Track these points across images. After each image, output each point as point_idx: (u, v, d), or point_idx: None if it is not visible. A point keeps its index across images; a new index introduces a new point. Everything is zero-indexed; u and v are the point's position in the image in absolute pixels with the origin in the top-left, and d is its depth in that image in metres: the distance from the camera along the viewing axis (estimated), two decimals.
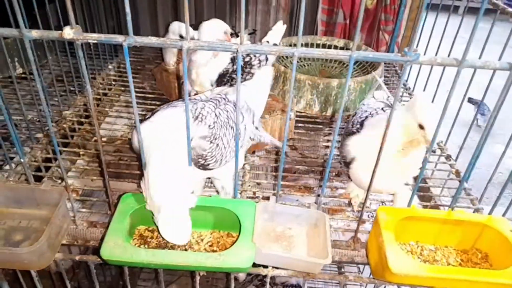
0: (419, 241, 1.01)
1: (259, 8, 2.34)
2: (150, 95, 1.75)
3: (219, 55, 1.29)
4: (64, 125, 1.49)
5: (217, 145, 0.95)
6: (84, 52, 0.80)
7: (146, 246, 0.95)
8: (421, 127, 0.93)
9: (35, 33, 0.74)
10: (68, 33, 0.74)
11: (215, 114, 0.98)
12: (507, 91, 0.85)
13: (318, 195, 1.26)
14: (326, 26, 2.17)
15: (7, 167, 1.26)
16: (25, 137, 1.48)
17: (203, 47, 0.76)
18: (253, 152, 1.39)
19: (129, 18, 0.73)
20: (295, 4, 2.26)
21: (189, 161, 0.91)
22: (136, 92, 1.77)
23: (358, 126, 1.10)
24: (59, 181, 1.36)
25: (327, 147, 1.50)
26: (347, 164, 1.09)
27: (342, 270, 2.08)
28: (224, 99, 1.04)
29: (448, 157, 1.43)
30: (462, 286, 0.84)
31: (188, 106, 0.85)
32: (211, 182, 1.17)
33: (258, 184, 1.31)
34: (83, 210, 1.19)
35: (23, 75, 1.83)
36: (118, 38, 0.74)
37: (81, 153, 1.46)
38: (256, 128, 1.12)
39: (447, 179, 1.35)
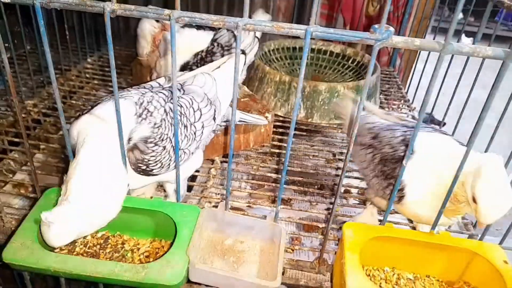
0: (395, 268, 0.85)
1: None
2: None
3: (181, 48, 1.16)
4: (24, 115, 1.38)
5: (164, 147, 0.81)
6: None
7: (71, 251, 0.81)
8: (474, 200, 0.74)
9: None
10: None
11: (165, 110, 0.83)
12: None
13: (300, 210, 1.11)
14: None
15: None
16: None
17: (131, 11, 0.63)
18: (224, 156, 1.25)
19: None
20: (294, 8, 2.15)
21: (124, 163, 0.78)
22: (109, 87, 1.67)
23: (402, 148, 0.86)
24: (11, 175, 1.24)
25: (310, 156, 1.35)
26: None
27: None
28: (180, 89, 0.90)
29: None
30: None
31: (118, 100, 0.72)
32: None
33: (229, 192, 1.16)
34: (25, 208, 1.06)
35: None
36: None
37: (41, 147, 1.35)
38: (224, 119, 0.99)
39: None
